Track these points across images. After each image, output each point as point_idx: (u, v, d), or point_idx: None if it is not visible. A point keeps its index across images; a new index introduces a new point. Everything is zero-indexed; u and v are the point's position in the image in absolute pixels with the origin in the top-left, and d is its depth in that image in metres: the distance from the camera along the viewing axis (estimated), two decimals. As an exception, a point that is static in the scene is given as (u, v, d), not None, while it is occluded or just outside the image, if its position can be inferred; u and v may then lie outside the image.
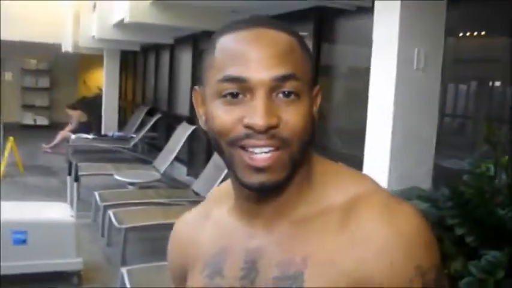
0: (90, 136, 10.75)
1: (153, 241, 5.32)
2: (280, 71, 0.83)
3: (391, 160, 2.80)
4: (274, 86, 0.83)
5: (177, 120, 8.79)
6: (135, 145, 10.18)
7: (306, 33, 5.61)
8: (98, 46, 10.78)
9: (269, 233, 0.93)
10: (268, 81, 0.83)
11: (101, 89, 13.53)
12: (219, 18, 6.62)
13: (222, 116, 0.85)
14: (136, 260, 4.61)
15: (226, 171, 5.69)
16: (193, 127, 7.75)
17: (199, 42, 8.70)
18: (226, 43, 0.87)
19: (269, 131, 0.82)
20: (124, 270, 3.59)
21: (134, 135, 10.36)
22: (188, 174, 8.66)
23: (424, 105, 2.90)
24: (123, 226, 4.74)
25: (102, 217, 5.62)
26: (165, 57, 10.54)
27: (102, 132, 11.85)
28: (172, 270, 1.13)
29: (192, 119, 8.60)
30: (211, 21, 6.68)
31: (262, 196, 0.91)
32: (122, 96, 13.92)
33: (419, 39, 2.79)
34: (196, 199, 5.98)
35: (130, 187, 6.80)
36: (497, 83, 4.07)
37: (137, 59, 13.15)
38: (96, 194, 5.95)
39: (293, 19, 5.81)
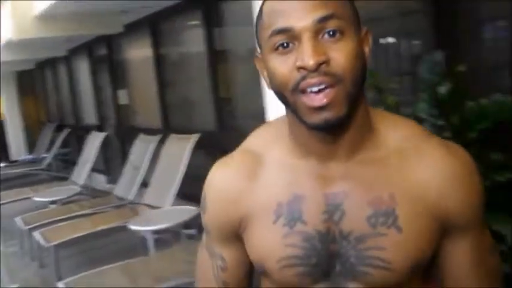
0: (1, 165, 10.41)
1: (85, 252, 5.29)
2: (319, 13, 0.91)
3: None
4: (318, 29, 0.91)
5: (86, 131, 8.65)
6: (49, 164, 9.94)
7: (197, 21, 5.69)
8: (-11, 70, 10.41)
9: (345, 175, 0.99)
10: (311, 24, 0.91)
11: (1, 115, 13.07)
12: (109, 21, 6.59)
13: (279, 67, 0.94)
14: (72, 275, 4.57)
15: (144, 169, 5.76)
16: (104, 134, 7.69)
17: (94, 49, 8.59)
18: (269, 3, 0.96)
19: (320, 69, 0.90)
20: (61, 284, 3.58)
21: (46, 155, 10.12)
22: (109, 182, 8.57)
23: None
24: (52, 244, 4.68)
25: (28, 241, 5.51)
26: (62, 70, 10.34)
27: (12, 158, 11.49)
28: (218, 228, 1.11)
29: (101, 127, 8.51)
30: (102, 25, 6.62)
31: (331, 135, 0.97)
32: (26, 117, 13.51)
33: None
34: (120, 203, 5.97)
35: (52, 206, 6.67)
36: (389, 39, 4.29)
37: (35, 77, 12.78)
38: (18, 219, 5.81)
39: (181, 10, 5.87)
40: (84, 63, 9.09)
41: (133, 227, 4.38)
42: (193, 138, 5.22)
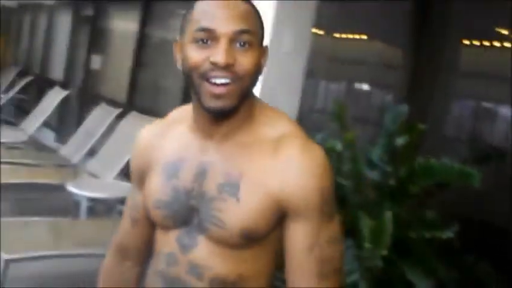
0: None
1: (16, 201, 5.21)
2: (239, 26, 1.14)
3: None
4: (234, 37, 1.14)
5: (50, 84, 8.53)
6: (2, 106, 9.74)
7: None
8: (-31, -3, 10.20)
9: (218, 151, 1.23)
10: (230, 32, 1.14)
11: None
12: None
13: (195, 55, 1.16)
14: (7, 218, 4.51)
15: (96, 138, 5.73)
16: (66, 92, 7.61)
17: (81, 8, 8.51)
18: (203, 4, 1.18)
19: (227, 68, 1.12)
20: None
21: (1, 96, 9.91)
22: (56, 140, 8.46)
23: (288, 89, 3.15)
24: (-17, 183, 4.62)
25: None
26: (44, 18, 10.19)
27: (-35, 91, 11.20)
28: (133, 172, 1.41)
29: (65, 84, 8.42)
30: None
31: (217, 118, 1.20)
32: (-8, 54, 13.22)
33: (290, 25, 3.03)
34: (64, 163, 5.92)
35: (-5, 147, 6.56)
36: (365, 85, 4.42)
37: (13, 17, 12.53)
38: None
39: None
40: (66, 18, 8.99)
41: (70, 188, 4.38)
42: (152, 121, 5.21)
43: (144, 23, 6.56)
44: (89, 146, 5.85)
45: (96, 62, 7.81)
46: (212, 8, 1.17)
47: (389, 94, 4.15)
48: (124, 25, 7.34)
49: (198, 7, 1.19)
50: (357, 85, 4.53)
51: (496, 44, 3.36)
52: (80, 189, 4.39)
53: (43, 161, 5.84)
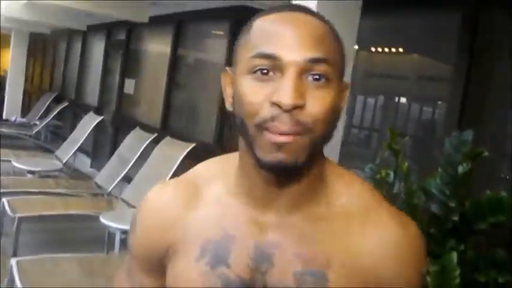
0: (-8, 120, 10.23)
1: (50, 232, 5.11)
2: (313, 54, 0.84)
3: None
4: (306, 68, 0.83)
5: (85, 109, 8.50)
6: (38, 132, 9.76)
7: (222, 32, 5.58)
8: (5, 25, 10.25)
9: (283, 227, 0.92)
10: (301, 61, 0.83)
11: (5, 71, 12.90)
12: (136, 9, 6.49)
13: (251, 93, 0.85)
14: (30, 251, 4.39)
15: (130, 165, 5.61)
16: (100, 117, 7.54)
17: (113, 32, 8.48)
18: (263, 23, 0.88)
19: (294, 112, 0.82)
20: (14, 261, 3.41)
21: (38, 122, 9.94)
22: (92, 166, 8.41)
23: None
24: (17, 215, 4.50)
25: (-5, 205, 5.32)
26: (77, 44, 10.20)
27: (4, 117, 11.31)
28: (143, 253, 1.04)
29: (99, 110, 8.36)
30: (127, 11, 6.52)
31: (279, 180, 0.90)
32: (29, 80, 13.35)
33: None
34: (99, 192, 5.82)
35: (30, 175, 6.50)
36: (403, 99, 4.21)
37: (47, 43, 12.62)
38: (-10, 180, 5.63)
39: (209, 17, 5.78)
40: (100, 43, 8.97)
41: (103, 221, 4.22)
42: (187, 147, 5.07)
43: (176, 45, 6.44)
44: (123, 174, 5.72)
45: (129, 85, 7.72)
46: (277, 28, 0.86)
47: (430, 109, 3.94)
48: (156, 48, 7.23)
49: (257, 26, 0.89)
50: (394, 99, 4.31)
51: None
52: (113, 221, 4.22)
53: (77, 190, 5.77)
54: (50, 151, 8.08)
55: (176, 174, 4.89)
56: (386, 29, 4.13)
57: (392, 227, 0.92)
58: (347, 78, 2.88)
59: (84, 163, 8.58)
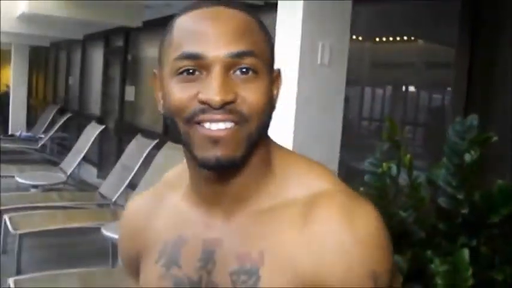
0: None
1: (53, 248, 5.01)
2: (237, 48, 0.82)
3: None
4: (231, 63, 0.81)
5: (88, 119, 8.41)
6: (43, 146, 9.69)
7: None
8: (4, 40, 10.20)
9: (228, 223, 0.90)
10: (225, 57, 0.81)
11: (8, 86, 12.86)
12: (132, 14, 6.38)
13: (178, 93, 0.83)
14: (33, 268, 4.29)
15: (134, 172, 5.50)
16: (102, 127, 7.45)
17: (111, 40, 8.38)
18: (184, 22, 0.86)
19: (225, 107, 0.80)
20: (11, 280, 3.29)
21: (43, 135, 9.87)
22: (98, 177, 8.31)
23: (329, 101, 2.79)
24: (18, 232, 4.40)
25: (-3, 222, 5.22)
26: (77, 54, 10.13)
27: (9, 132, 11.26)
28: (125, 259, 1.08)
29: (102, 119, 8.27)
30: (124, 17, 6.41)
31: (220, 177, 0.88)
32: (32, 94, 13.32)
33: (323, 34, 2.68)
34: (104, 202, 5.71)
35: (33, 190, 6.40)
36: (411, 88, 4.08)
37: (48, 56, 12.57)
38: (-8, 197, 5.53)
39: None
40: (98, 52, 8.88)
41: (105, 232, 4.10)
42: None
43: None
44: (127, 182, 5.62)
45: (130, 92, 7.62)
46: (198, 26, 0.83)
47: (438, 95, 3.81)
48: (154, 52, 7.11)
49: (179, 25, 0.86)
50: (402, 89, 4.18)
51: None
52: (116, 233, 4.09)
53: (82, 202, 5.69)
54: (56, 164, 7.98)
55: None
56: (385, 15, 3.99)
57: (336, 222, 0.82)
58: (343, 62, 2.72)
59: (91, 173, 8.49)
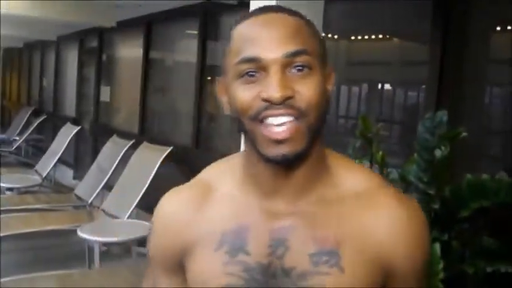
0: (-30, 139, 10.01)
1: (30, 250, 4.95)
2: (290, 48, 0.91)
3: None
4: (287, 62, 0.90)
5: (63, 121, 8.31)
6: (18, 148, 9.54)
7: (193, 31, 5.45)
8: (-24, 42, 10.07)
9: (294, 213, 0.98)
10: (280, 58, 0.90)
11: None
12: (103, 13, 6.34)
13: (242, 94, 0.92)
14: (10, 272, 4.24)
15: (110, 173, 5.47)
16: (77, 128, 7.38)
17: (86, 40, 8.32)
18: (241, 30, 0.96)
19: (285, 102, 0.89)
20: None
21: (17, 138, 9.74)
22: (75, 178, 8.24)
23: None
24: (-7, 235, 4.35)
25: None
26: (51, 55, 10.02)
27: (-17, 135, 11.10)
28: (160, 256, 1.10)
29: (77, 120, 8.20)
30: (96, 16, 6.37)
31: (286, 169, 0.96)
32: (6, 96, 13.14)
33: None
34: (80, 204, 5.67)
35: (9, 193, 6.32)
36: (387, 85, 4.11)
37: (22, 57, 12.41)
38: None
39: (178, 16, 5.65)
40: (73, 53, 8.79)
41: (81, 234, 4.07)
42: (165, 150, 4.93)
43: (147, 47, 6.29)
44: (103, 183, 5.58)
45: (105, 93, 7.57)
46: (253, 31, 0.94)
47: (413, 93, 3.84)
48: (129, 52, 7.09)
49: (237, 33, 0.96)
50: (378, 86, 4.22)
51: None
52: (92, 234, 4.08)
53: (58, 205, 5.63)
54: (31, 166, 7.89)
55: (157, 178, 4.76)
56: (356, 13, 4.02)
57: (398, 208, 0.97)
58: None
59: (67, 175, 8.41)
